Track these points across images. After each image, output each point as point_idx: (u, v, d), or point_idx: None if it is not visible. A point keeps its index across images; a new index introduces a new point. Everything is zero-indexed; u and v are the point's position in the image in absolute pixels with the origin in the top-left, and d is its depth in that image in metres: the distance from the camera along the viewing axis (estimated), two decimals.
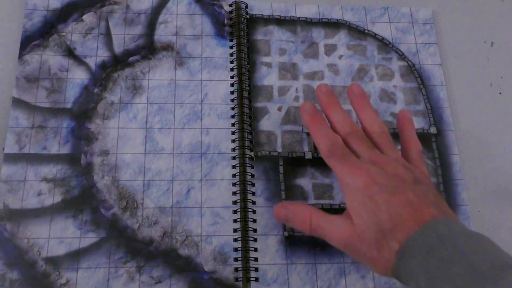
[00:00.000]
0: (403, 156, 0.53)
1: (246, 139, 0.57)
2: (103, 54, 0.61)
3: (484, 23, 0.68)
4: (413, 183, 0.47)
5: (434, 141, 0.60)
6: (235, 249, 0.53)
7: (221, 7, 0.64)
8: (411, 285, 0.43)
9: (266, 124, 0.59)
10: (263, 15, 0.64)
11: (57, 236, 0.53)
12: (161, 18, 0.63)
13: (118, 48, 0.61)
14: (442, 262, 0.40)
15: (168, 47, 0.62)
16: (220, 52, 0.62)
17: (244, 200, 0.55)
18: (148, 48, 0.62)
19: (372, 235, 0.45)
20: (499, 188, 0.59)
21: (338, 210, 0.56)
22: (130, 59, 0.61)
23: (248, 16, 0.64)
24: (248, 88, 0.60)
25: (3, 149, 0.56)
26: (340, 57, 0.63)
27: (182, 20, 0.63)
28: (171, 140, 0.58)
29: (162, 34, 0.63)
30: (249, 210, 0.55)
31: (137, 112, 0.58)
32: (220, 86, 0.60)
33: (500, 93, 0.64)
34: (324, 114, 0.54)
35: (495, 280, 0.37)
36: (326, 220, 0.49)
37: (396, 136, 0.59)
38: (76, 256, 0.52)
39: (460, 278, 0.38)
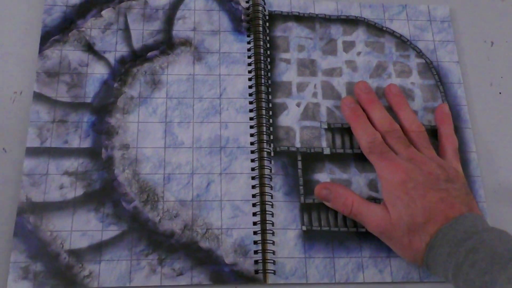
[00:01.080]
0: (439, 151, 0.58)
1: (265, 133, 0.58)
2: (122, 49, 0.61)
3: (485, 23, 0.68)
4: (446, 182, 0.52)
5: None
6: (255, 242, 0.54)
7: (238, 3, 0.65)
8: (438, 273, 0.49)
9: (285, 119, 0.60)
10: (282, 11, 0.65)
11: (79, 229, 0.53)
12: (179, 13, 0.64)
13: (136, 43, 0.62)
14: (468, 252, 0.45)
15: (186, 42, 0.62)
16: (238, 48, 0.63)
17: (263, 194, 0.56)
18: (167, 44, 0.62)
19: (405, 226, 0.50)
20: (500, 187, 0.60)
21: None
22: (149, 54, 0.61)
23: (266, 12, 0.64)
24: (267, 83, 0.61)
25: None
26: (358, 53, 0.64)
27: (199, 15, 0.64)
28: (190, 134, 0.58)
29: (180, 29, 0.63)
30: (268, 203, 0.55)
31: (157, 107, 0.59)
32: (238, 81, 0.61)
33: (500, 93, 0.65)
34: (364, 110, 0.59)
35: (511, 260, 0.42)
36: (366, 208, 0.53)
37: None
38: (98, 248, 0.53)
39: (483, 262, 0.43)
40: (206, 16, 0.64)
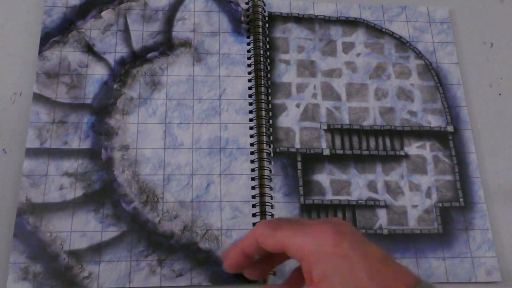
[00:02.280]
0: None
1: (265, 134, 0.58)
2: (121, 50, 0.61)
3: (485, 24, 0.68)
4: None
5: (451, 139, 0.61)
6: None
7: (237, 4, 0.65)
8: None
9: (285, 120, 0.60)
10: (281, 12, 0.65)
11: (79, 230, 0.53)
12: (178, 15, 0.64)
13: (136, 44, 0.62)
14: None
15: (186, 44, 0.62)
16: (238, 49, 0.63)
17: (262, 195, 0.56)
18: (166, 45, 0.62)
19: None
20: (500, 188, 0.60)
21: (355, 206, 0.57)
22: (149, 55, 0.61)
23: (266, 13, 0.65)
24: (267, 84, 0.61)
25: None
26: (358, 55, 0.64)
27: (199, 17, 0.64)
28: (190, 135, 0.58)
29: (180, 30, 0.63)
30: (268, 204, 0.55)
31: (156, 108, 0.59)
32: (238, 82, 0.61)
33: (499, 94, 0.65)
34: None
35: None
36: None
37: (411, 133, 0.60)
38: (98, 249, 0.53)
39: None
40: (205, 17, 0.64)
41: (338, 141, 0.59)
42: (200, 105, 0.60)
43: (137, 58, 0.61)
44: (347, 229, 0.38)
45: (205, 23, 0.64)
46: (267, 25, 0.64)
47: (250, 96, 0.60)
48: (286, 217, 0.45)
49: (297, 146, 0.59)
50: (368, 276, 0.35)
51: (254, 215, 0.55)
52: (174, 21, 0.63)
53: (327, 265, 0.36)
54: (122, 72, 0.60)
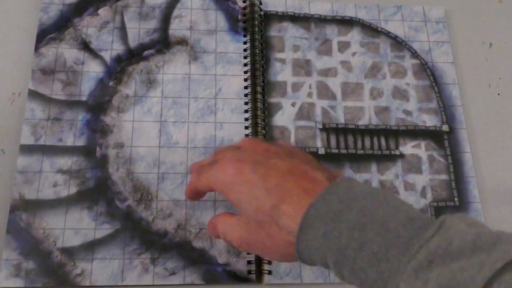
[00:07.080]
0: None
1: (260, 133, 0.58)
2: (118, 48, 0.61)
3: (484, 25, 0.68)
4: (288, 155, 0.43)
5: (447, 139, 0.60)
6: None
7: (235, 2, 0.65)
8: (315, 262, 0.37)
9: (280, 119, 0.60)
10: (277, 12, 0.65)
11: (72, 227, 0.53)
12: (175, 12, 0.64)
13: (133, 42, 0.62)
14: (352, 229, 0.34)
15: (182, 42, 0.62)
16: (234, 47, 0.63)
17: None
18: (163, 43, 0.62)
19: (255, 220, 0.40)
20: (499, 188, 0.60)
21: None
22: (145, 52, 0.61)
23: (261, 12, 0.65)
24: (262, 83, 0.61)
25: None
26: (354, 54, 0.64)
27: (196, 15, 0.64)
28: (185, 134, 0.58)
29: (177, 28, 0.63)
30: None
31: (152, 106, 0.59)
32: (234, 81, 0.61)
33: (498, 94, 0.65)
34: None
35: (412, 240, 0.32)
36: (226, 224, 0.45)
37: (406, 133, 0.60)
38: (91, 247, 0.52)
39: (375, 244, 0.33)
40: (202, 15, 0.64)
41: (333, 140, 0.59)
42: (195, 104, 0.60)
43: (133, 56, 0.61)
44: (249, 154, 0.43)
45: (202, 21, 0.64)
46: (263, 24, 0.64)
47: (245, 95, 0.60)
48: (210, 157, 0.50)
49: (293, 145, 0.59)
50: (265, 192, 0.39)
51: None
52: (171, 19, 0.63)
53: (234, 194, 0.41)
54: (118, 69, 0.60)
